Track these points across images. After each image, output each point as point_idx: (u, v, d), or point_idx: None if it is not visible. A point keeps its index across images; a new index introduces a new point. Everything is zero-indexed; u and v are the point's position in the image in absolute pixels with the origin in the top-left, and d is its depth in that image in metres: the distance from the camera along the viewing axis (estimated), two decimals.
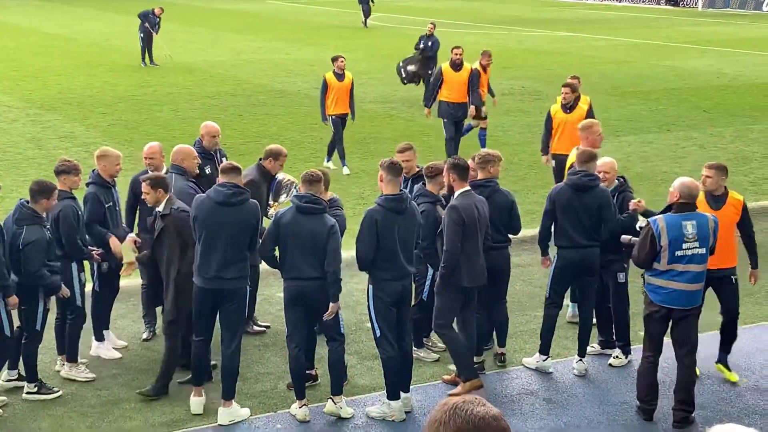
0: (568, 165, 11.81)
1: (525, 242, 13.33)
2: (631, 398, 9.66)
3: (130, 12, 41.40)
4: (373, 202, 9.33)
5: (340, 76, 18.62)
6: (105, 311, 10.75)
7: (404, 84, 26.48)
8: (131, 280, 11.35)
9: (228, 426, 9.20)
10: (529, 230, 12.57)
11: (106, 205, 10.37)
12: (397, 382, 9.30)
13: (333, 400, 9.32)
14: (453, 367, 10.01)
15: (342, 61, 18.73)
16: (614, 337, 10.72)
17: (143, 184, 9.75)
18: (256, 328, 11.31)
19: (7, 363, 9.73)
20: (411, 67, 25.96)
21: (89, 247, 10.07)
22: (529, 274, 13.02)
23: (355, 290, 12.20)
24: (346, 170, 18.57)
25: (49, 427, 9.23)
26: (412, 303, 10.09)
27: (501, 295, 10.43)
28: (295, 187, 10.70)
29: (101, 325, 10.75)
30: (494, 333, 10.71)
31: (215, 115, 22.11)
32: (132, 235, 10.38)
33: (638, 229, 9.76)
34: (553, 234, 10.43)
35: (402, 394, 9.35)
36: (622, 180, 10.67)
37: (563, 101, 15.14)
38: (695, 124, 23.96)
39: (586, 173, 10.20)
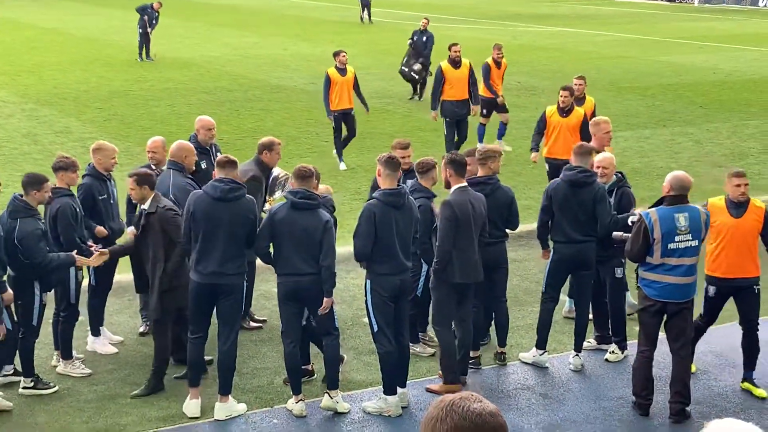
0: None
1: (521, 237, 13.34)
2: (628, 393, 9.66)
3: (126, 7, 41.32)
4: (371, 197, 9.33)
5: (342, 71, 18.46)
6: (100, 306, 10.75)
7: (417, 84, 26.05)
8: (128, 276, 11.33)
9: (224, 421, 9.19)
10: (526, 225, 12.55)
11: (100, 198, 10.40)
12: (394, 377, 9.30)
13: (329, 395, 9.32)
14: None
15: (344, 56, 18.58)
16: (610, 332, 10.73)
17: (129, 180, 9.72)
18: (252, 324, 11.31)
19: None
20: (417, 66, 25.72)
21: (88, 244, 10.03)
22: (526, 269, 13.03)
23: (351, 285, 12.20)
24: (342, 166, 18.54)
25: (45, 422, 9.22)
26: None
27: (500, 292, 10.41)
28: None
29: (97, 320, 10.74)
30: (492, 330, 10.71)
31: (211, 110, 22.07)
32: (131, 228, 10.37)
33: (630, 224, 9.77)
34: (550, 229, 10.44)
35: (399, 390, 9.36)
36: (620, 175, 10.67)
37: (561, 104, 14.84)
38: (691, 120, 23.98)
39: (582, 169, 10.21)
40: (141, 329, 11.13)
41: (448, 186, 9.71)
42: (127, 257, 10.24)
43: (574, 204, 10.13)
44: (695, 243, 9.13)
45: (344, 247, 10.96)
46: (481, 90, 19.66)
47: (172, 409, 9.40)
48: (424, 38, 26.35)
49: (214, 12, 54.08)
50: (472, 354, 10.14)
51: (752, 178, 18.32)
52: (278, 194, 10.93)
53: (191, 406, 9.28)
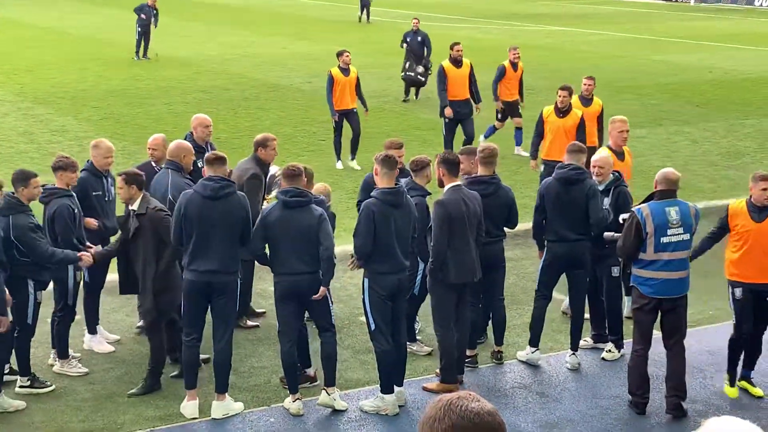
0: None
1: (518, 236, 13.34)
2: (624, 392, 9.67)
3: (122, 6, 41.30)
4: (370, 196, 9.33)
5: (345, 71, 18.34)
6: (95, 304, 10.73)
7: (424, 84, 25.84)
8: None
9: (222, 420, 9.19)
10: (523, 224, 12.55)
11: (94, 194, 10.42)
12: (391, 375, 9.30)
13: (326, 392, 9.32)
14: None
15: (347, 56, 18.48)
16: (607, 331, 10.75)
17: (118, 179, 9.70)
18: (249, 323, 11.32)
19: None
20: (420, 69, 25.55)
21: (86, 245, 10.01)
22: (522, 267, 13.04)
23: (348, 284, 12.20)
24: (339, 165, 18.54)
25: (41, 421, 9.22)
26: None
27: (498, 291, 10.43)
28: None
29: (93, 318, 10.74)
30: (489, 329, 10.72)
31: (208, 108, 22.05)
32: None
33: (621, 221, 9.79)
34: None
35: (396, 388, 9.36)
36: (617, 174, 10.68)
37: (559, 105, 14.68)
38: (688, 119, 24.00)
39: (574, 166, 10.23)
40: (140, 323, 11.10)
41: (441, 185, 9.71)
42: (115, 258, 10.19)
43: (567, 202, 10.14)
44: (687, 237, 9.21)
45: (341, 246, 10.96)
46: (500, 93, 19.57)
47: (169, 408, 9.40)
48: (419, 38, 26.03)
49: (211, 11, 54.03)
50: (469, 353, 10.16)
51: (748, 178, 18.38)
52: (275, 192, 10.93)
53: (189, 407, 9.27)
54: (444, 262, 9.40)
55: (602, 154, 10.96)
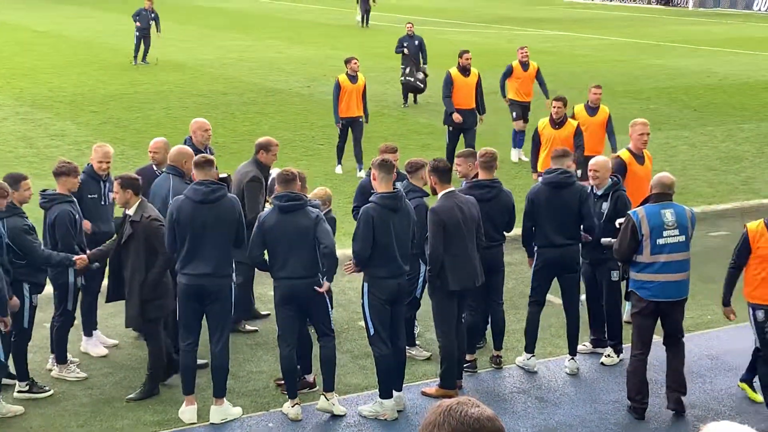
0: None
1: (516, 241, 13.29)
2: (623, 397, 9.67)
3: (121, 10, 41.35)
4: (369, 200, 9.32)
5: (353, 78, 18.20)
6: (91, 307, 10.71)
7: (423, 91, 25.71)
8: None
9: (220, 425, 9.18)
10: (520, 229, 12.56)
11: (90, 196, 10.43)
12: (390, 380, 9.29)
13: (325, 396, 9.31)
14: None
15: (355, 63, 18.33)
16: (606, 335, 10.74)
17: (114, 183, 9.69)
18: (248, 327, 11.31)
19: None
20: (420, 74, 25.47)
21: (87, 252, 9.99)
22: (521, 272, 13.02)
23: (347, 289, 12.19)
24: (339, 169, 18.51)
25: (40, 426, 9.20)
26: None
27: (497, 296, 10.43)
28: None
29: (89, 321, 10.73)
30: (488, 334, 10.71)
31: (206, 113, 22.07)
32: (87, 222, 10.34)
33: (618, 225, 9.81)
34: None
35: (395, 393, 9.35)
36: (616, 179, 10.67)
37: (554, 116, 14.51)
38: (686, 123, 24.00)
39: (562, 170, 10.25)
40: None
41: (435, 192, 9.71)
42: (107, 264, 10.13)
43: (558, 206, 10.14)
44: (683, 238, 9.25)
45: (340, 250, 10.95)
46: (510, 94, 19.45)
47: (168, 413, 9.39)
48: (416, 43, 25.83)
49: (208, 15, 54.06)
50: (468, 357, 10.15)
51: (747, 182, 18.41)
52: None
53: (187, 412, 9.26)
54: (442, 269, 9.39)
55: (600, 158, 10.94)
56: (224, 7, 60.23)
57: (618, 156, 11.92)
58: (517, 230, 10.82)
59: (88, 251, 9.96)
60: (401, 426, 9.23)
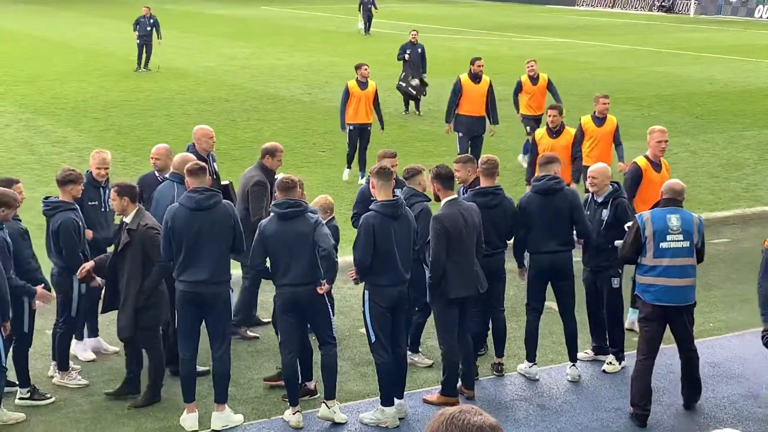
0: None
1: None
2: (625, 404, 9.66)
3: (123, 17, 41.40)
4: (369, 209, 9.32)
5: (363, 84, 18.10)
6: (93, 312, 10.67)
7: (417, 99, 25.57)
8: None
9: (221, 431, 9.17)
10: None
11: (90, 203, 10.42)
12: (391, 388, 9.28)
13: (326, 404, 9.30)
14: None
15: (366, 69, 18.21)
16: (608, 343, 10.73)
17: (111, 191, 9.66)
18: (250, 334, 11.31)
19: None
20: (415, 82, 25.27)
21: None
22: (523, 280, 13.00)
23: (348, 296, 12.19)
24: (346, 175, 18.45)
25: None
26: (416, 308, 10.22)
27: (498, 303, 10.42)
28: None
29: (90, 325, 10.71)
30: (490, 341, 10.70)
31: (208, 120, 22.07)
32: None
33: (626, 229, 9.85)
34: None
35: (396, 401, 9.34)
36: (616, 186, 10.66)
37: (550, 125, 14.40)
38: (687, 131, 24.01)
39: (550, 177, 10.26)
40: None
41: (438, 199, 9.71)
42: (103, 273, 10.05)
43: (550, 213, 10.15)
44: (687, 244, 9.29)
45: (341, 257, 10.94)
46: (522, 108, 19.31)
47: (169, 420, 9.37)
48: (419, 50, 25.73)
49: (209, 23, 54.12)
50: None
51: (749, 189, 18.41)
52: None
53: (189, 419, 9.24)
54: (443, 277, 9.38)
55: (599, 164, 10.91)
56: (226, 14, 60.30)
57: (634, 163, 11.81)
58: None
59: (90, 258, 9.95)
60: None
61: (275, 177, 11.08)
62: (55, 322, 10.17)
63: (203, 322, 9.33)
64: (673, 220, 9.28)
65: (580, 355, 10.65)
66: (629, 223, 9.78)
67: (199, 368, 9.86)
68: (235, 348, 10.62)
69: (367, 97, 18.09)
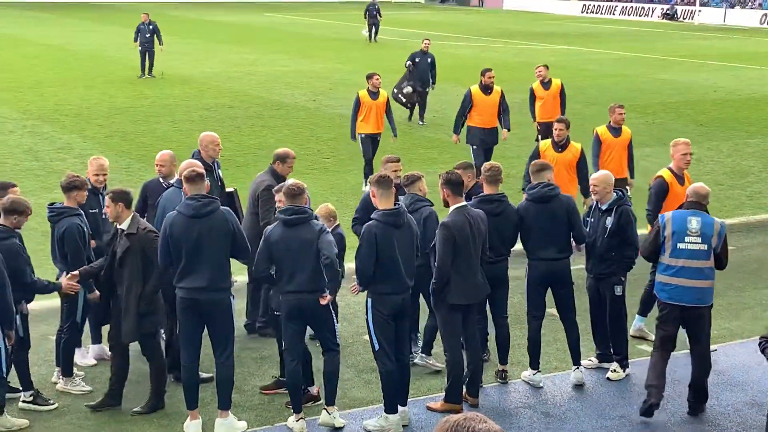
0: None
1: (522, 255, 13.31)
2: (629, 412, 9.66)
3: (126, 24, 41.48)
4: (371, 218, 9.31)
5: (374, 94, 17.99)
6: (95, 318, 10.68)
7: (408, 108, 25.42)
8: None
9: None
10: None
11: (91, 211, 10.42)
12: (395, 395, 9.27)
13: (327, 411, 9.29)
14: None
15: (377, 79, 18.10)
16: (612, 350, 10.71)
17: (106, 197, 9.64)
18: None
19: None
20: (407, 89, 25.02)
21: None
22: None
23: (352, 303, 12.18)
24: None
25: None
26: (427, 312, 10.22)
27: (501, 310, 10.42)
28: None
29: (93, 332, 10.71)
30: (494, 348, 10.70)
31: (213, 126, 22.12)
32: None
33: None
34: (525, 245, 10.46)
35: (399, 408, 9.32)
36: (620, 193, 10.65)
37: (556, 138, 13.91)
38: (692, 138, 23.72)
39: (545, 184, 10.27)
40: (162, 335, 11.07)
41: (446, 205, 9.71)
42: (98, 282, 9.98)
43: (547, 220, 10.16)
44: (705, 247, 9.48)
45: (347, 264, 10.94)
46: (536, 114, 19.06)
47: (173, 427, 9.36)
48: (429, 60, 25.47)
49: (214, 29, 54.21)
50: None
51: (753, 197, 18.39)
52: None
53: (192, 427, 9.21)
54: (447, 284, 9.38)
55: (601, 172, 10.90)
56: (230, 21, 60.39)
57: (660, 176, 11.64)
58: (521, 245, 10.82)
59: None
60: None
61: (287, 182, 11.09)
62: (59, 328, 10.17)
63: (204, 329, 9.32)
64: (693, 223, 9.48)
65: (584, 362, 10.64)
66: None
67: (203, 375, 9.87)
68: (239, 355, 10.62)
69: (378, 106, 17.99)
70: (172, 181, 10.83)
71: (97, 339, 10.88)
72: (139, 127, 24.55)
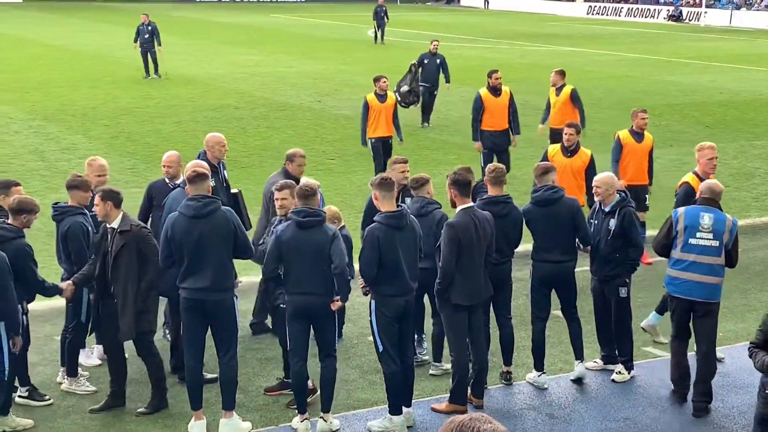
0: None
1: (527, 257, 13.30)
2: (634, 414, 9.65)
3: (131, 24, 41.44)
4: (373, 220, 9.29)
5: (381, 97, 17.85)
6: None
7: (404, 107, 25.49)
8: None
9: None
10: (524, 245, 12.53)
11: (90, 213, 10.42)
12: (399, 396, 9.26)
13: (323, 418, 9.26)
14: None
15: (384, 82, 17.95)
16: (617, 352, 10.70)
17: (96, 196, 9.61)
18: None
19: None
20: (404, 88, 24.88)
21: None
22: None
23: (356, 303, 12.17)
24: None
25: None
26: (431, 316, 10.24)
27: (505, 311, 10.41)
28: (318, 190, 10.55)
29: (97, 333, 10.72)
30: (498, 350, 10.68)
31: (218, 127, 22.13)
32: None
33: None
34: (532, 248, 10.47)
35: (404, 409, 9.32)
36: (623, 195, 10.63)
37: (566, 143, 13.54)
38: (698, 140, 23.73)
39: (549, 186, 10.27)
40: (166, 335, 11.09)
41: (454, 206, 9.70)
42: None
43: (551, 222, 10.17)
44: (716, 243, 9.63)
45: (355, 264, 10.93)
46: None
47: (177, 427, 9.36)
48: (437, 61, 25.27)
49: (219, 30, 54.25)
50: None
51: (759, 199, 18.35)
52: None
53: (197, 427, 9.21)
54: (451, 284, 9.37)
55: (603, 174, 10.85)
56: (235, 22, 60.43)
57: (686, 182, 11.51)
58: (526, 246, 10.81)
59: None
60: None
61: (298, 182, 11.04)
62: (64, 328, 10.18)
63: (208, 329, 9.31)
64: (706, 219, 9.62)
65: (589, 364, 10.64)
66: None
67: (208, 375, 9.87)
68: (243, 355, 10.62)
69: (387, 109, 17.89)
70: (178, 182, 10.84)
71: (101, 339, 10.88)
72: (145, 127, 24.58)
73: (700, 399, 9.74)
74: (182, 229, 9.03)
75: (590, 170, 13.33)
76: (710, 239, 9.59)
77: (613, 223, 10.33)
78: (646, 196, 14.49)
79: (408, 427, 9.32)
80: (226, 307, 9.19)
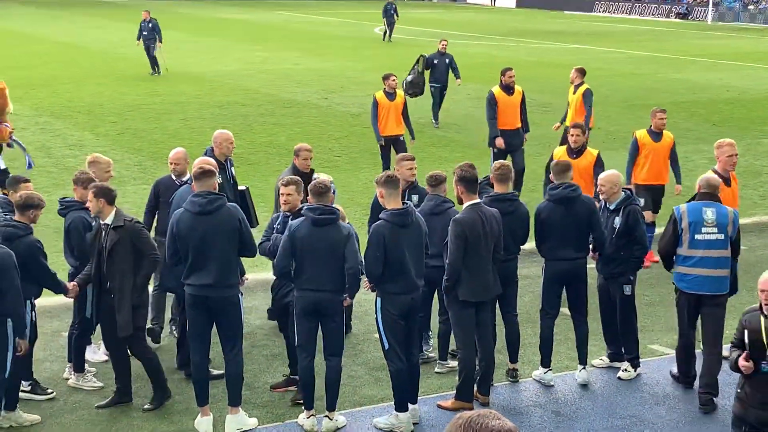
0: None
1: (534, 254, 13.28)
2: (640, 411, 9.64)
3: (138, 21, 41.50)
4: (378, 217, 9.29)
5: (390, 96, 17.81)
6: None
7: (409, 96, 25.48)
8: None
9: None
10: (532, 243, 12.52)
11: None
12: (405, 393, 9.26)
13: (329, 417, 9.26)
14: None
15: (393, 80, 17.89)
16: (623, 349, 10.69)
17: (89, 192, 9.59)
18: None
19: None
20: (408, 77, 24.58)
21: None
22: (538, 285, 12.92)
23: (363, 300, 12.17)
24: None
25: None
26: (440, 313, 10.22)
27: (511, 308, 10.41)
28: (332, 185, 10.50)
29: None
30: (504, 347, 10.69)
31: (224, 124, 22.14)
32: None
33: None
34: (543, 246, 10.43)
35: (410, 406, 9.32)
36: (628, 193, 10.62)
37: (572, 144, 13.43)
38: (705, 138, 23.91)
39: (567, 184, 10.23)
40: (173, 332, 11.11)
41: (461, 202, 9.70)
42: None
43: (569, 221, 10.15)
44: (721, 237, 9.73)
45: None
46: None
47: (184, 423, 9.38)
48: (447, 60, 25.18)
49: (225, 27, 54.27)
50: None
51: (766, 197, 18.33)
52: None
53: (203, 423, 9.22)
54: (458, 281, 9.37)
55: (609, 172, 10.82)
56: (242, 19, 60.46)
57: None
58: (532, 243, 10.81)
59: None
60: None
61: (314, 177, 11.00)
62: (70, 324, 10.20)
63: (213, 326, 9.32)
64: (709, 213, 9.71)
65: (595, 362, 10.64)
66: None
67: (214, 371, 9.88)
68: (249, 352, 10.64)
69: (396, 107, 17.84)
70: (185, 179, 10.85)
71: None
72: (151, 124, 24.60)
73: (706, 391, 9.78)
74: (187, 226, 9.03)
75: (598, 168, 13.25)
76: (715, 233, 9.70)
77: (617, 221, 10.33)
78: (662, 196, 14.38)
79: (414, 423, 9.32)
80: (231, 303, 9.20)
